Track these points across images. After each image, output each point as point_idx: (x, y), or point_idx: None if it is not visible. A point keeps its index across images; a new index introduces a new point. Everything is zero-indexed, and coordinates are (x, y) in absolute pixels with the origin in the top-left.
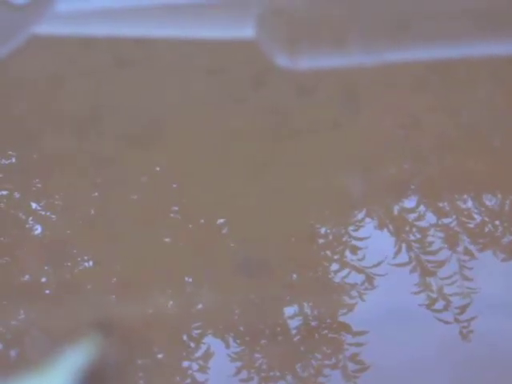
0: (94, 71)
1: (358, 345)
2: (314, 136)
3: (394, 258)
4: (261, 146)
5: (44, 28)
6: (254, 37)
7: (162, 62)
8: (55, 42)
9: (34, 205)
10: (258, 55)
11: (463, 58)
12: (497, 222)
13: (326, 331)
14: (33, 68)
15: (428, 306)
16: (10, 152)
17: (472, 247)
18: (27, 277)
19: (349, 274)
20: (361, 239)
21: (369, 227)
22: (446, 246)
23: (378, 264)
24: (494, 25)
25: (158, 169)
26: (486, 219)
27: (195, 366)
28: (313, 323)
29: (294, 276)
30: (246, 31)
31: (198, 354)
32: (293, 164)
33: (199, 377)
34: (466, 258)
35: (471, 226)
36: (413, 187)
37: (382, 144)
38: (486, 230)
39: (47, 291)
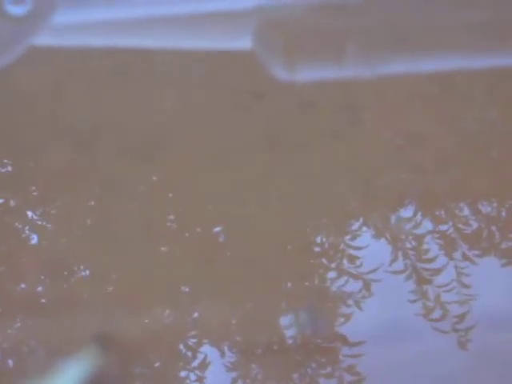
0: (93, 82)
1: (354, 356)
2: (312, 148)
3: (390, 265)
4: (258, 158)
5: (43, 39)
6: (251, 48)
7: (160, 73)
8: (54, 53)
9: (30, 214)
10: (256, 67)
11: (462, 71)
12: (494, 230)
13: (321, 341)
14: (31, 79)
15: (425, 316)
16: (7, 161)
17: (469, 254)
18: (23, 286)
19: (345, 282)
20: (358, 248)
21: (366, 236)
22: (443, 253)
23: (374, 271)
24: (493, 37)
25: (155, 179)
26: (483, 227)
27: (192, 376)
28: (308, 333)
29: (290, 285)
30: (244, 43)
31: (195, 363)
32: (290, 175)
33: None
34: (464, 265)
35: (468, 233)
36: (410, 197)
37: (381, 155)
38: (484, 237)
39: (44, 301)
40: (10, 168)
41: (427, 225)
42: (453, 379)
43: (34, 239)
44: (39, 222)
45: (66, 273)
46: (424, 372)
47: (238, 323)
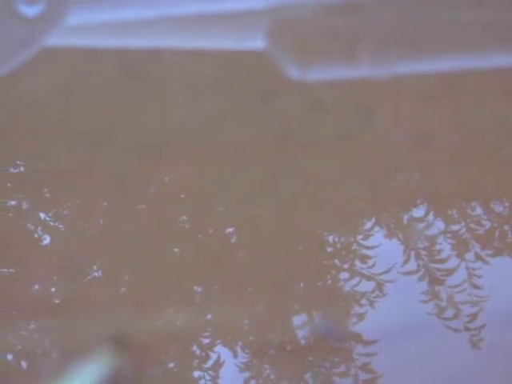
0: (104, 83)
1: (369, 354)
2: (323, 147)
3: (403, 266)
4: (270, 158)
5: (54, 40)
6: (264, 48)
7: (171, 73)
8: (65, 54)
9: (42, 215)
10: (268, 67)
11: (473, 71)
12: (507, 229)
13: (334, 340)
14: (42, 80)
15: (438, 315)
16: (19, 162)
17: (482, 254)
18: (36, 287)
19: (358, 282)
20: (370, 248)
21: (378, 236)
22: (456, 253)
23: (387, 272)
24: (504, 37)
25: (167, 180)
26: (496, 227)
27: (205, 376)
28: (321, 332)
29: (302, 285)
30: (257, 42)
31: (208, 364)
32: (302, 175)
33: None
34: (476, 265)
35: (480, 233)
36: (422, 197)
37: (392, 155)
38: (496, 236)
39: (57, 302)
40: (21, 169)
41: (439, 225)
42: (465, 376)
43: (47, 240)
44: (51, 224)
45: (78, 274)
46: (437, 369)
47: (250, 323)
